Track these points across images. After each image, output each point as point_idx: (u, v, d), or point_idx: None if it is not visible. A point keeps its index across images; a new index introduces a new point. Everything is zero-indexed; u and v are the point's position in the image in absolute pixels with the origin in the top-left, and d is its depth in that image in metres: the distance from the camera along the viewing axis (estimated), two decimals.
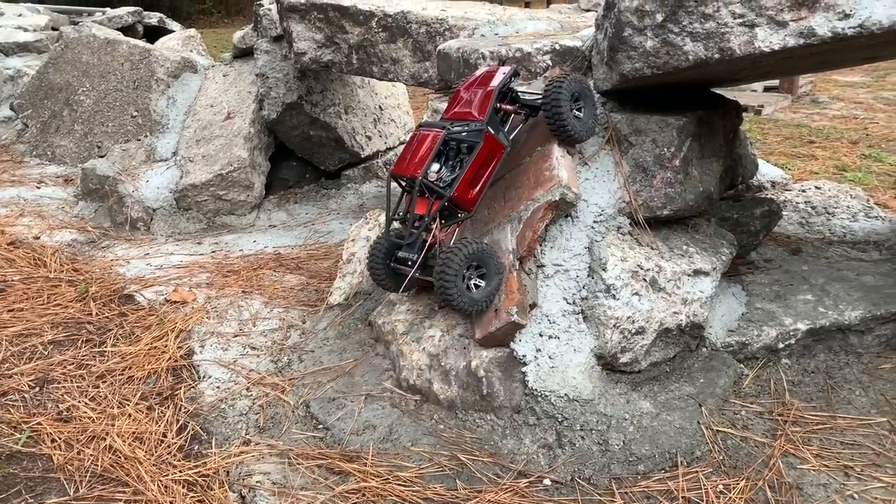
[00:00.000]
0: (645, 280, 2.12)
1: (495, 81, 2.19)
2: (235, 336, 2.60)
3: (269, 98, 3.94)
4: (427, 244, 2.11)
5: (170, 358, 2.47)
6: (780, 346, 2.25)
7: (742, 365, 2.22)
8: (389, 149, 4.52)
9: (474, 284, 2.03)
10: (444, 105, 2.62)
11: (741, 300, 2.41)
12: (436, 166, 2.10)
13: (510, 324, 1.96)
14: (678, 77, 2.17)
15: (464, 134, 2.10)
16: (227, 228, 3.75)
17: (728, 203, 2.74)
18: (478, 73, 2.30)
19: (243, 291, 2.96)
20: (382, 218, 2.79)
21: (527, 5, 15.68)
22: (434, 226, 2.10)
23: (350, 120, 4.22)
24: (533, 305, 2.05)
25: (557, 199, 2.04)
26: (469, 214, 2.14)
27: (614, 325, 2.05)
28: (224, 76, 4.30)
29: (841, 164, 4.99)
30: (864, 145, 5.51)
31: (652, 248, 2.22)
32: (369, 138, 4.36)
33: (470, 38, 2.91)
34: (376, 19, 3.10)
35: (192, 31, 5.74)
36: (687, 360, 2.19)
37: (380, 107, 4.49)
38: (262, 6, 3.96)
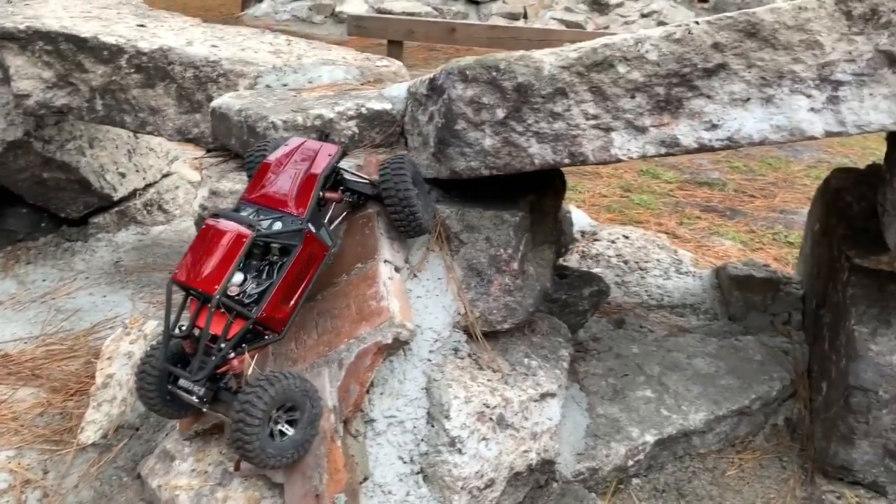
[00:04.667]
0: (492, 420, 1.78)
1: (319, 166, 1.70)
2: None
3: None
4: (219, 371, 1.60)
5: None
6: (630, 463, 2.04)
7: (594, 494, 1.97)
8: (149, 185, 3.78)
9: (281, 430, 1.56)
10: (223, 184, 2.09)
11: (582, 405, 2.16)
12: (238, 277, 1.58)
13: None
14: None
15: (277, 234, 1.61)
16: None
17: (554, 281, 2.49)
18: (292, 142, 1.79)
19: None
20: (147, 327, 2.19)
21: None
22: (232, 355, 1.58)
23: (97, 155, 3.44)
24: (364, 479, 1.63)
25: (390, 341, 1.62)
26: (279, 336, 1.65)
27: (462, 487, 1.68)
28: None
29: (625, 184, 5.06)
30: None
31: (494, 371, 1.88)
32: (123, 175, 3.61)
33: (252, 89, 2.36)
34: (126, 57, 2.44)
35: None
36: (538, 501, 1.90)
37: (135, 134, 3.73)
38: None
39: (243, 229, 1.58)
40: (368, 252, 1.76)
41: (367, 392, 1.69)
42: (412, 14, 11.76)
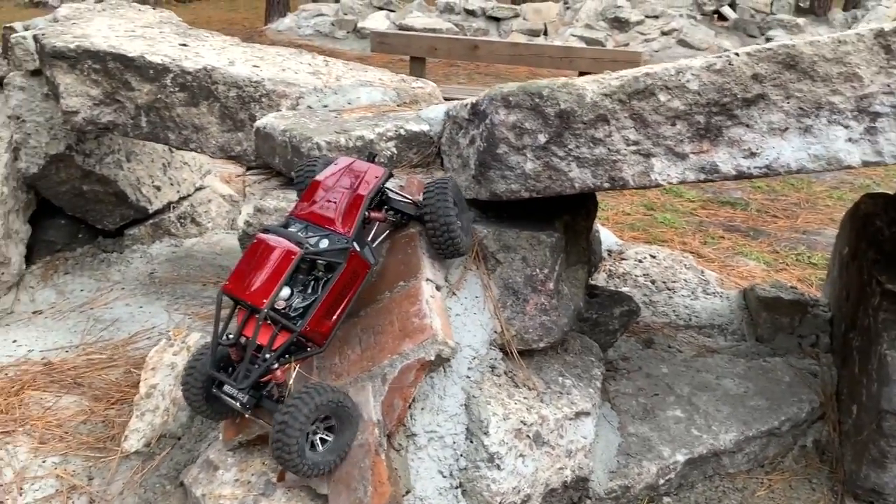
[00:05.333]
0: (529, 437, 1.82)
1: (366, 188, 1.76)
2: None
3: (28, 147, 3.16)
4: (263, 380, 1.67)
5: None
6: (661, 482, 2.07)
7: None
8: (183, 198, 3.86)
9: (320, 440, 1.62)
10: (268, 202, 2.15)
11: (614, 424, 2.20)
12: (286, 291, 1.64)
13: None
14: None
15: (324, 251, 1.67)
16: None
17: (585, 300, 2.53)
18: (341, 162, 1.85)
19: (3, 431, 2.27)
20: (191, 339, 2.25)
21: None
22: (276, 365, 1.64)
23: (134, 169, 3.53)
24: (406, 492, 1.67)
25: (433, 358, 1.67)
26: (320, 349, 1.71)
27: (500, 502, 1.73)
28: None
29: (648, 203, 5.10)
30: None
31: (529, 389, 1.93)
32: (158, 188, 3.69)
33: (294, 109, 2.43)
34: (171, 76, 2.52)
35: None
36: None
37: (170, 148, 3.82)
38: (16, 32, 3.15)
39: (292, 246, 1.63)
40: (411, 271, 1.81)
41: (409, 407, 1.74)
42: (433, 30, 11.89)
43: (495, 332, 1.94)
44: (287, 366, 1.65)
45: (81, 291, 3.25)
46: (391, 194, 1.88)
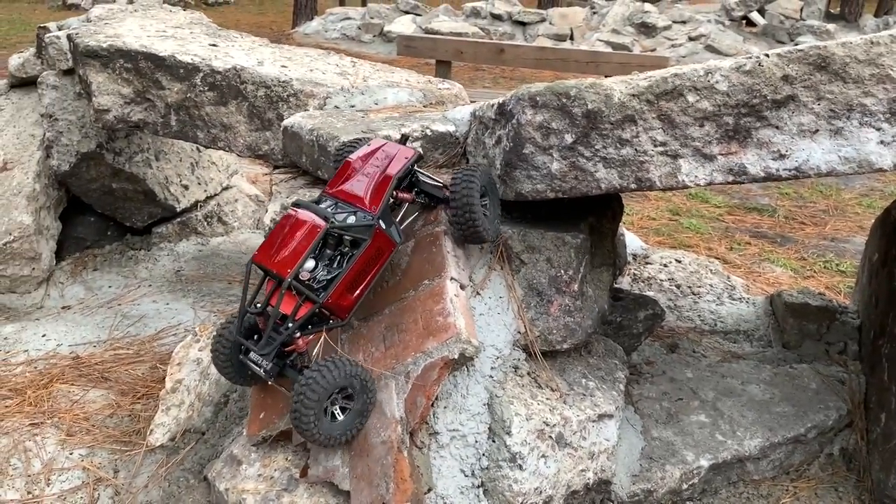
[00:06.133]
0: (551, 438, 1.81)
1: (395, 168, 1.79)
2: None
3: (60, 145, 3.22)
4: (286, 350, 1.71)
5: None
6: (684, 486, 2.05)
7: None
8: (210, 197, 3.91)
9: (337, 410, 1.64)
10: (293, 200, 2.16)
11: (637, 427, 2.18)
12: (310, 263, 1.67)
13: None
14: None
15: (350, 227, 1.69)
16: (6, 314, 3.00)
17: (609, 303, 2.52)
18: (374, 143, 1.89)
19: (31, 424, 2.31)
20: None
21: None
22: (298, 335, 1.67)
23: (162, 168, 3.58)
24: (428, 490, 1.67)
25: (456, 356, 1.67)
26: (342, 322, 1.74)
27: (521, 503, 1.72)
28: None
29: (674, 208, 5.06)
30: None
31: (552, 390, 1.92)
32: (186, 187, 3.73)
33: (321, 109, 2.45)
34: (201, 75, 2.54)
35: None
36: None
37: (198, 148, 3.87)
38: (50, 32, 3.21)
39: (318, 220, 1.67)
40: (436, 269, 1.82)
41: (432, 405, 1.74)
42: (459, 34, 11.92)
43: (519, 332, 1.94)
44: (310, 337, 1.69)
45: (109, 288, 3.30)
46: (421, 176, 1.90)
